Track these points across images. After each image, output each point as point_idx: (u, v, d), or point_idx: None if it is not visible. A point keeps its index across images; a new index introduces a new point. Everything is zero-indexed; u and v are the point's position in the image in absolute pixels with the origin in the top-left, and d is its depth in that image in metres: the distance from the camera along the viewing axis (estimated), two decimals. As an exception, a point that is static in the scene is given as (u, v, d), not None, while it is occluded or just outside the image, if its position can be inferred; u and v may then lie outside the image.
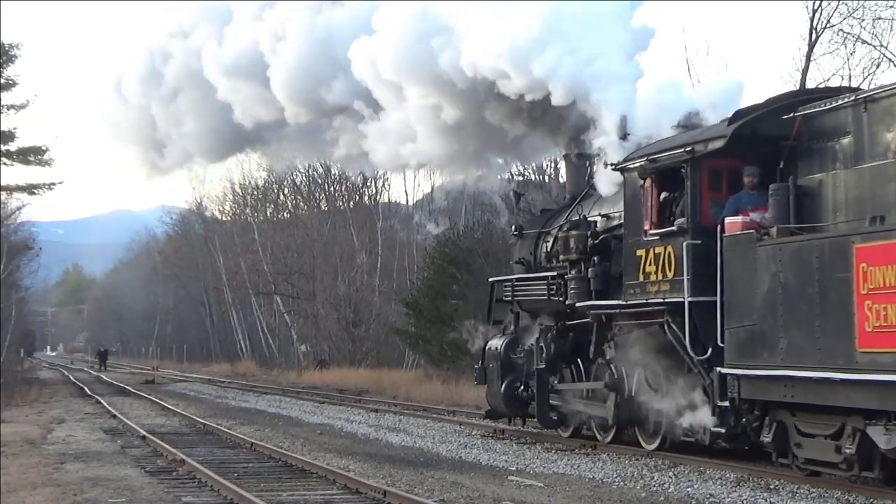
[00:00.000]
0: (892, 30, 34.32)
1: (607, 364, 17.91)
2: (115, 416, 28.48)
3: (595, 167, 19.49)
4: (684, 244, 15.39)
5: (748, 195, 15.02)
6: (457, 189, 53.87)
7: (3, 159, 47.65)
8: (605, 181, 18.55)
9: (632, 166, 16.87)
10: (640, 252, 16.48)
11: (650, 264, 16.26)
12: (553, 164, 35.96)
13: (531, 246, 20.76)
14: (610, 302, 17.49)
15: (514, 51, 18.77)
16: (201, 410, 30.35)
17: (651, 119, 17.90)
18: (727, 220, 14.75)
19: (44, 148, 49.40)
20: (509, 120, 20.68)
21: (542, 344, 19.60)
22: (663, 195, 16.32)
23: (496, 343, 21.16)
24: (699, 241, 15.30)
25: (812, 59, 28.99)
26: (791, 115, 14.28)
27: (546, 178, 35.82)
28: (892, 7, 28.27)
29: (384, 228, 56.61)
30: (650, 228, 16.32)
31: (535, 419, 20.28)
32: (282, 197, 70.17)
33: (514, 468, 16.15)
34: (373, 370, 44.90)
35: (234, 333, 75.47)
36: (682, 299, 15.39)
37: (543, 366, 19.49)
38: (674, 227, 15.80)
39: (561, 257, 18.91)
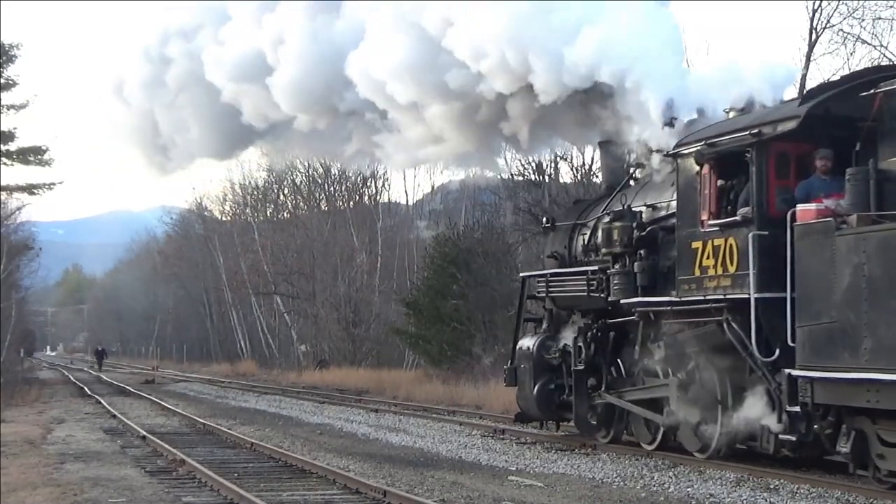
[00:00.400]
0: (892, 30, 34.39)
1: (654, 366, 16.95)
2: (115, 416, 28.48)
3: (634, 155, 18.39)
4: (750, 235, 14.16)
5: (820, 181, 13.94)
6: (456, 189, 54.19)
7: (3, 159, 47.66)
8: (650, 169, 17.63)
9: (686, 152, 15.64)
10: (697, 245, 15.29)
11: (708, 258, 15.07)
12: (553, 164, 35.96)
13: (565, 239, 19.65)
14: (661, 298, 16.23)
15: (547, 39, 17.77)
16: (201, 410, 30.35)
17: (700, 103, 16.93)
18: (799, 207, 13.55)
19: (44, 148, 49.45)
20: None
21: (580, 343, 18.55)
22: (720, 183, 15.17)
23: (528, 342, 19.96)
24: (766, 232, 14.11)
25: (812, 59, 29.00)
26: (870, 92, 13.03)
27: (546, 177, 35.77)
28: (892, 7, 28.28)
29: (384, 228, 56.64)
30: (708, 219, 15.10)
31: (569, 423, 19.61)
32: (282, 197, 70.25)
33: (514, 468, 16.15)
34: (373, 370, 44.89)
35: (234, 333, 75.47)
36: (746, 295, 14.21)
37: (582, 367, 18.47)
38: (737, 217, 14.59)
39: (603, 250, 17.69)
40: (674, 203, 16.35)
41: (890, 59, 27.21)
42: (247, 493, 13.36)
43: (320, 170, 61.95)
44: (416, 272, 48.69)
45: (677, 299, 15.69)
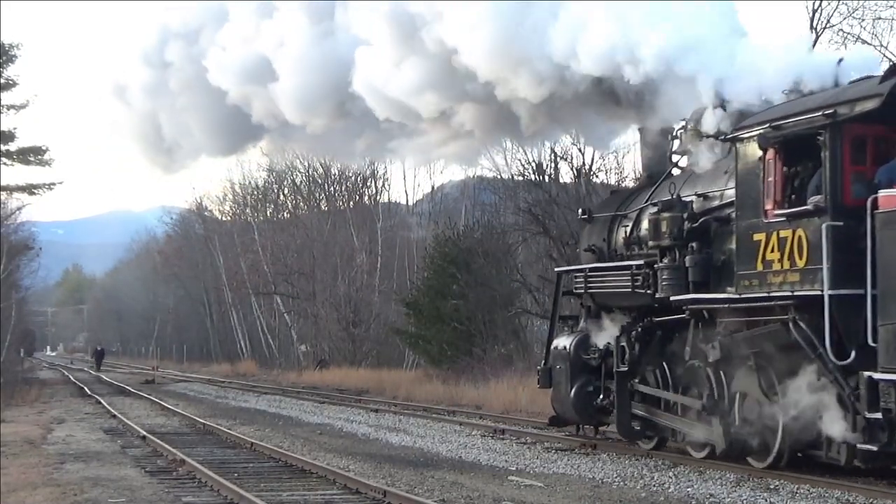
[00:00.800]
0: (892, 30, 34.38)
1: (707, 368, 15.55)
2: (115, 416, 28.47)
3: (679, 141, 17.33)
4: (823, 226, 13.00)
5: None
6: (455, 189, 54.23)
7: (3, 159, 47.67)
8: (699, 155, 16.42)
9: (747, 136, 14.43)
10: (759, 236, 14.06)
11: (772, 251, 13.82)
12: (553, 164, 35.94)
13: (604, 231, 18.45)
14: (718, 295, 15.04)
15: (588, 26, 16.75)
16: (201, 410, 30.35)
17: (755, 84, 15.62)
18: (882, 193, 12.43)
19: (44, 148, 49.49)
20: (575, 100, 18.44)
21: (623, 343, 17.29)
22: (786, 169, 14.04)
23: (564, 342, 18.70)
24: (840, 223, 12.97)
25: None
26: None
27: (545, 177, 35.76)
28: (892, 7, 28.28)
29: (384, 228, 56.66)
30: (773, 208, 13.87)
31: (604, 427, 18.84)
32: (282, 197, 70.25)
33: (514, 468, 16.15)
34: (373, 370, 44.91)
35: (234, 333, 75.47)
36: (818, 292, 13.04)
37: (625, 368, 17.21)
38: (808, 207, 13.40)
39: (650, 243, 16.48)
40: (728, 192, 15.27)
41: (890, 60, 27.21)
42: (247, 493, 13.35)
43: (320, 170, 62.06)
44: (416, 272, 48.70)
45: (736, 296, 14.52)
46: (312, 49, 20.80)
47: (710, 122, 15.97)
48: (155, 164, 26.17)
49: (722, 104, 15.85)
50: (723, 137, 15.50)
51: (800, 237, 13.49)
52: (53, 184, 50.30)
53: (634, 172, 35.15)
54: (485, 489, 13.87)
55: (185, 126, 23.85)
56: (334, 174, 61.57)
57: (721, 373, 15.25)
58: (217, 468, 16.12)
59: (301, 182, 65.72)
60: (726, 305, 14.87)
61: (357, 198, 61.63)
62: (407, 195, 60.44)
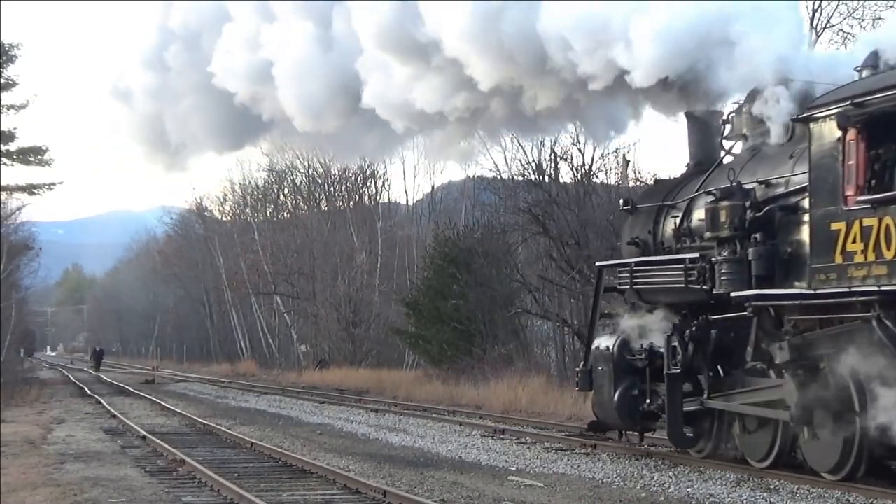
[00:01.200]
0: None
1: (774, 370, 14.44)
2: (115, 416, 28.48)
3: (731, 125, 16.22)
4: None
5: None
6: (456, 189, 54.25)
7: (3, 159, 47.68)
8: (754, 140, 15.47)
9: (823, 115, 13.19)
10: (838, 226, 12.86)
11: (854, 241, 12.66)
12: (553, 164, 35.90)
13: (649, 223, 17.27)
14: (788, 291, 13.78)
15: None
16: (201, 410, 30.36)
17: (823, 60, 14.63)
18: None
19: (44, 148, 49.49)
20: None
21: (674, 343, 15.90)
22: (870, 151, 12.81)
23: (606, 342, 17.41)
24: None
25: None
26: None
27: (545, 177, 35.73)
28: (892, 7, 28.27)
29: (384, 228, 56.67)
30: (855, 194, 12.65)
31: (653, 433, 17.72)
32: (282, 197, 70.27)
33: (514, 468, 16.15)
34: (373, 370, 44.93)
35: (234, 333, 75.49)
36: None
37: (678, 370, 15.85)
38: None
39: (707, 234, 15.19)
40: (795, 178, 14.18)
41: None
42: (247, 493, 13.35)
43: (320, 170, 62.08)
44: (416, 272, 48.71)
45: (811, 291, 13.30)
46: (316, 56, 20.63)
47: (770, 103, 14.85)
48: (157, 162, 26.11)
49: (784, 82, 14.72)
50: (795, 117, 14.24)
51: (888, 226, 12.28)
52: (53, 184, 50.38)
53: (634, 172, 35.19)
54: (485, 489, 13.87)
55: (189, 124, 23.76)
56: (334, 174, 61.65)
57: (788, 376, 14.04)
58: (217, 468, 16.13)
59: (301, 182, 65.82)
60: (798, 302, 13.61)
61: (357, 198, 61.63)
62: (407, 195, 60.49)
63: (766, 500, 12.89)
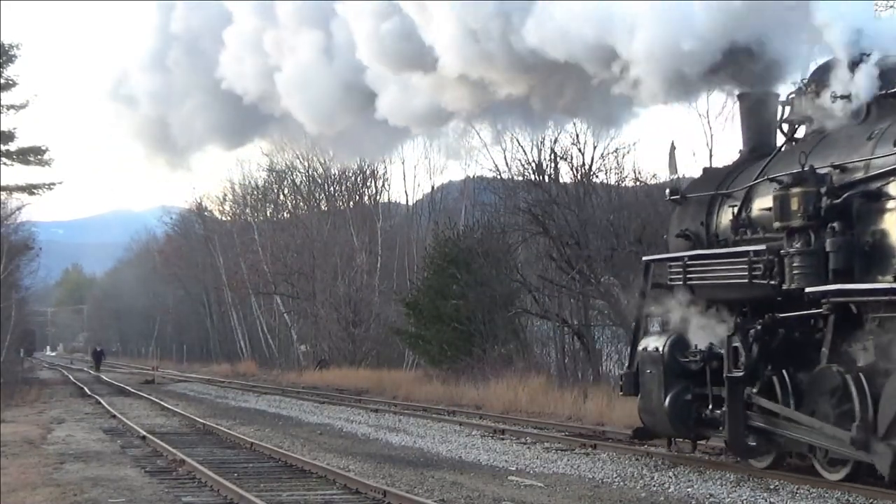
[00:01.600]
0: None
1: (847, 375, 12.90)
2: (114, 416, 28.48)
3: (791, 107, 15.16)
4: None
5: None
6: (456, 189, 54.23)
7: (3, 159, 47.68)
8: (819, 122, 14.38)
9: None
10: None
11: None
12: (553, 164, 35.88)
13: (701, 214, 16.05)
14: (877, 286, 12.56)
15: None
16: (201, 410, 30.36)
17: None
18: None
19: (44, 148, 49.50)
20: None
21: (736, 344, 14.47)
22: None
23: (656, 342, 16.03)
24: None
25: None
26: None
27: (545, 177, 35.72)
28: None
29: (384, 228, 56.67)
30: None
31: (707, 441, 16.51)
32: (282, 197, 70.28)
33: (514, 468, 16.15)
34: (373, 370, 44.94)
35: (234, 333, 75.50)
36: None
37: (741, 373, 14.35)
38: None
39: (775, 225, 13.92)
40: (876, 161, 13.06)
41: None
42: (247, 493, 13.35)
43: (320, 170, 62.09)
44: (416, 272, 48.70)
45: None
46: (321, 64, 20.52)
47: (844, 80, 13.74)
48: (161, 163, 26.06)
49: (859, 57, 13.62)
50: (884, 93, 13.19)
51: None
52: (53, 184, 50.40)
53: (634, 172, 35.20)
54: (485, 489, 13.88)
55: (195, 126, 23.70)
56: (334, 174, 61.66)
57: (872, 380, 12.64)
58: (217, 468, 16.13)
59: (301, 182, 65.80)
60: (886, 298, 12.35)
61: (357, 198, 61.62)
62: (407, 195, 60.49)
63: (766, 500, 12.88)
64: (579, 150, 34.45)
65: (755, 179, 15.04)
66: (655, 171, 51.72)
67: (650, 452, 17.16)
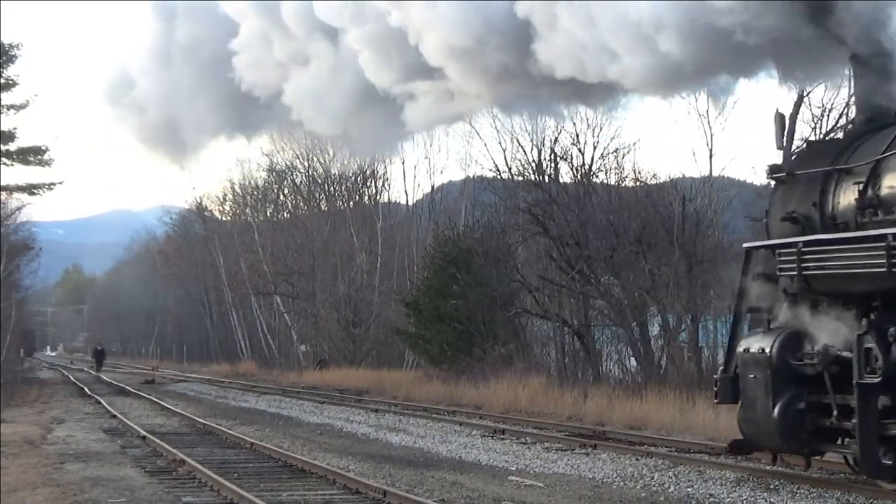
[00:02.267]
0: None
1: None
2: (115, 416, 28.47)
3: None
4: None
5: None
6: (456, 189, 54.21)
7: (3, 159, 47.67)
8: None
9: None
10: None
11: None
12: (553, 164, 35.90)
13: (813, 193, 13.71)
14: None
15: None
16: (201, 410, 30.36)
17: None
18: None
19: (44, 148, 49.48)
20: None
21: (869, 344, 12.37)
22: None
23: (760, 342, 13.82)
24: None
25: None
26: None
27: (545, 177, 35.74)
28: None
29: (384, 228, 56.67)
30: None
31: (821, 457, 14.41)
32: (282, 197, 70.25)
33: (514, 468, 16.15)
34: (373, 370, 44.94)
35: (234, 333, 75.48)
36: None
37: (878, 379, 12.23)
38: None
39: None
40: None
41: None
42: (247, 493, 13.36)
43: (320, 170, 62.08)
44: (416, 272, 48.71)
45: None
46: (331, 76, 20.44)
47: None
48: (169, 163, 26.01)
49: None
50: None
51: None
52: (53, 184, 50.34)
53: (634, 172, 35.19)
54: (485, 489, 13.88)
55: (204, 125, 23.62)
56: (334, 174, 61.65)
57: None
58: (217, 468, 16.13)
59: (301, 182, 65.77)
60: None
61: (357, 198, 61.62)
62: (407, 195, 60.47)
63: (766, 500, 12.89)
64: (579, 150, 34.52)
65: (883, 152, 12.84)
66: (655, 171, 51.73)
67: (650, 452, 17.17)
